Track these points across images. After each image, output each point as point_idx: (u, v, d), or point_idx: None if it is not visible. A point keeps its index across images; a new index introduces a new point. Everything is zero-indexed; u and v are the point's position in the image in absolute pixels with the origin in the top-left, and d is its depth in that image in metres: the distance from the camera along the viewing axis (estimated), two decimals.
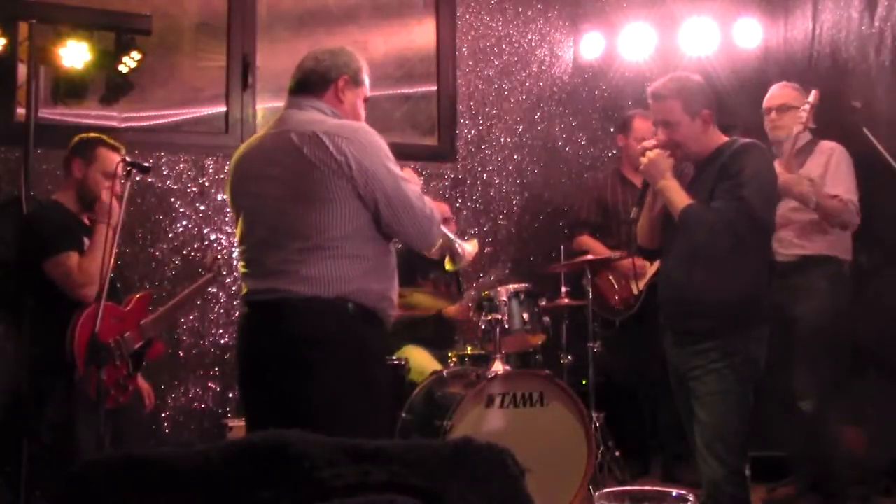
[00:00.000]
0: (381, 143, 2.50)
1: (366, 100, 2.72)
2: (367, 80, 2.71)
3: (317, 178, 2.41)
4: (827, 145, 3.97)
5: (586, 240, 4.88)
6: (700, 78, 3.14)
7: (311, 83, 2.61)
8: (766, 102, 4.12)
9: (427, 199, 2.58)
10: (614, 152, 5.57)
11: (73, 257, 3.34)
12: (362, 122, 2.64)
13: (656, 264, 4.46)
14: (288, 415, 2.33)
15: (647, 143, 3.13)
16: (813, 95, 3.85)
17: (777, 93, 4.10)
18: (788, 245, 3.96)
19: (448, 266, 3.06)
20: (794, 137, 3.82)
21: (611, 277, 4.77)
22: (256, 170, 2.56)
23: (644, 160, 3.09)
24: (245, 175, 2.61)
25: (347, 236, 2.44)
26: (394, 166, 2.50)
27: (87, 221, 3.52)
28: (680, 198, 3.00)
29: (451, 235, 2.95)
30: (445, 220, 4.69)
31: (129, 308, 3.56)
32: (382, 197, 2.45)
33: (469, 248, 2.95)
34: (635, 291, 4.61)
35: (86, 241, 3.43)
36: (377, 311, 2.52)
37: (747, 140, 3.07)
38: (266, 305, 2.49)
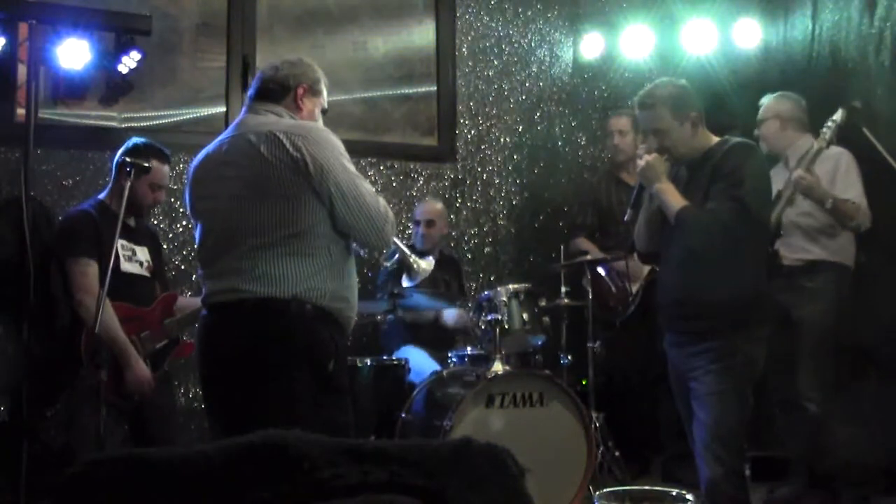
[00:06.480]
0: (336, 141, 2.54)
1: (324, 111, 2.75)
2: (325, 92, 2.74)
3: (273, 175, 2.44)
4: (833, 151, 3.98)
5: (582, 241, 4.90)
6: (684, 81, 3.15)
7: (271, 91, 2.64)
8: None
9: (381, 199, 2.60)
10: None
11: (93, 266, 3.37)
12: (318, 122, 2.67)
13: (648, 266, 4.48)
14: (249, 417, 2.30)
15: (641, 149, 3.15)
16: (839, 114, 3.85)
17: (762, 106, 4.13)
18: (796, 250, 3.98)
19: (405, 282, 3.15)
20: (813, 151, 3.84)
21: (606, 278, 4.77)
22: (214, 173, 2.58)
23: (641, 163, 3.10)
24: (202, 179, 2.62)
25: (302, 233, 2.45)
26: (349, 164, 2.53)
27: (131, 224, 3.58)
28: (675, 200, 3.01)
29: (407, 251, 3.03)
30: (429, 223, 4.70)
31: (151, 307, 3.55)
32: (337, 192, 2.46)
33: (424, 265, 3.04)
34: (631, 292, 4.61)
35: (121, 243, 3.41)
36: (333, 312, 2.52)
37: (739, 139, 3.08)
38: (224, 307, 2.49)
